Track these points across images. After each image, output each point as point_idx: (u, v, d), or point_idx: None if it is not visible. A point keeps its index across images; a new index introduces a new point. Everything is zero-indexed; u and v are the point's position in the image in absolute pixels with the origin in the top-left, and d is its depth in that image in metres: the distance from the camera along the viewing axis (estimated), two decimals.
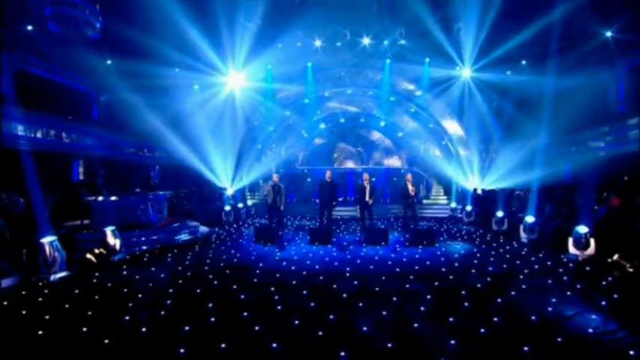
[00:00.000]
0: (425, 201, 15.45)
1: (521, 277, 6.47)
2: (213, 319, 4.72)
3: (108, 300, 5.43)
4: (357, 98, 17.91)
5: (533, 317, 4.71)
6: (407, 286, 6.12)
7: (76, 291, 5.71)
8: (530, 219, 9.02)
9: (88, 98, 13.70)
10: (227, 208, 12.63)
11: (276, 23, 14.48)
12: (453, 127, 16.61)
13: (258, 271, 7.01)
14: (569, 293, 5.56)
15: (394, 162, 18.96)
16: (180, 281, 6.35)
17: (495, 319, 4.68)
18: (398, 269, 7.11)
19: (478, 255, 8.15)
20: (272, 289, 5.96)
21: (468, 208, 12.40)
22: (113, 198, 9.20)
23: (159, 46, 12.85)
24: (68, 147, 11.29)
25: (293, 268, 7.24)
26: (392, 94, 17.22)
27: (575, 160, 11.80)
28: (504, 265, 7.22)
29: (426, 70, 15.95)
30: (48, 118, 10.80)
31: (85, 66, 12.74)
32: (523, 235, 9.23)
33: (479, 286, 6.05)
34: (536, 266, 7.07)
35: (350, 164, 19.02)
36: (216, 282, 6.34)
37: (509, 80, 14.88)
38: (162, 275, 6.67)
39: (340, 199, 16.65)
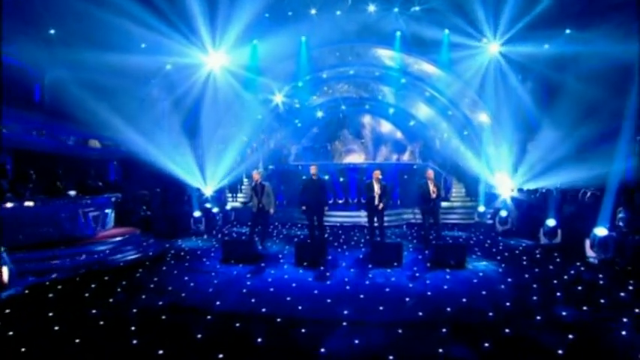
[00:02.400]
0: (443, 203, 13.16)
1: (624, 332, 4.25)
2: None
3: None
4: (361, 80, 16.01)
5: None
6: (440, 350, 3.93)
7: None
8: (601, 231, 6.79)
9: (27, 77, 11.55)
10: (196, 214, 10.46)
11: None
12: (477, 113, 14.41)
13: (210, 317, 4.84)
14: None
15: (405, 157, 16.78)
16: (77, 340, 4.17)
17: None
18: (421, 312, 4.92)
19: (534, 286, 5.93)
20: (221, 356, 3.80)
21: (503, 213, 10.19)
22: (28, 203, 7.05)
23: (121, 14, 10.83)
24: None
25: (264, 310, 5.06)
26: (403, 74, 15.10)
27: None
28: (584, 307, 4.98)
29: (445, 44, 13.77)
30: None
31: (20, 35, 10.64)
32: (590, 254, 7.00)
33: (561, 352, 3.83)
34: (637, 310, 4.84)
35: (352, 159, 16.96)
36: (136, 340, 4.17)
37: (548, 54, 12.63)
38: (57, 328, 4.50)
39: (340, 202, 14.54)
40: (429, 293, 5.68)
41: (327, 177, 15.80)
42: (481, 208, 11.72)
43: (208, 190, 13.66)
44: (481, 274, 6.64)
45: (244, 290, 5.87)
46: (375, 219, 8.52)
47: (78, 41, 10.99)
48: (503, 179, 12.77)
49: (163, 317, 4.85)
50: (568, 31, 12.05)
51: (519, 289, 5.81)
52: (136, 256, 7.65)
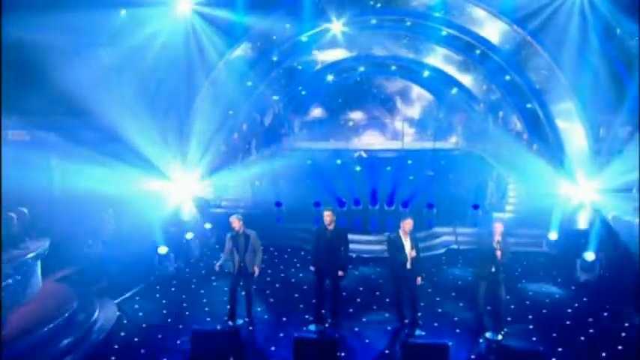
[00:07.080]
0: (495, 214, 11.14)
1: None
2: None
3: None
4: (387, 32, 14.51)
5: None
6: None
7: None
8: None
9: None
10: (161, 250, 8.68)
11: None
12: (548, 80, 12.36)
13: None
14: None
15: (449, 141, 15.27)
16: None
17: None
18: None
19: None
20: None
21: (589, 256, 8.18)
22: None
23: None
24: None
25: None
26: (444, 24, 13.18)
27: None
28: None
29: None
30: None
31: None
32: None
33: None
34: None
35: (373, 139, 15.79)
36: None
37: None
38: None
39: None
40: None
41: (338, 161, 14.03)
42: (553, 236, 9.76)
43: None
44: None
45: None
46: (406, 292, 6.79)
47: None
48: (584, 184, 10.63)
49: None
50: None
51: None
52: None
